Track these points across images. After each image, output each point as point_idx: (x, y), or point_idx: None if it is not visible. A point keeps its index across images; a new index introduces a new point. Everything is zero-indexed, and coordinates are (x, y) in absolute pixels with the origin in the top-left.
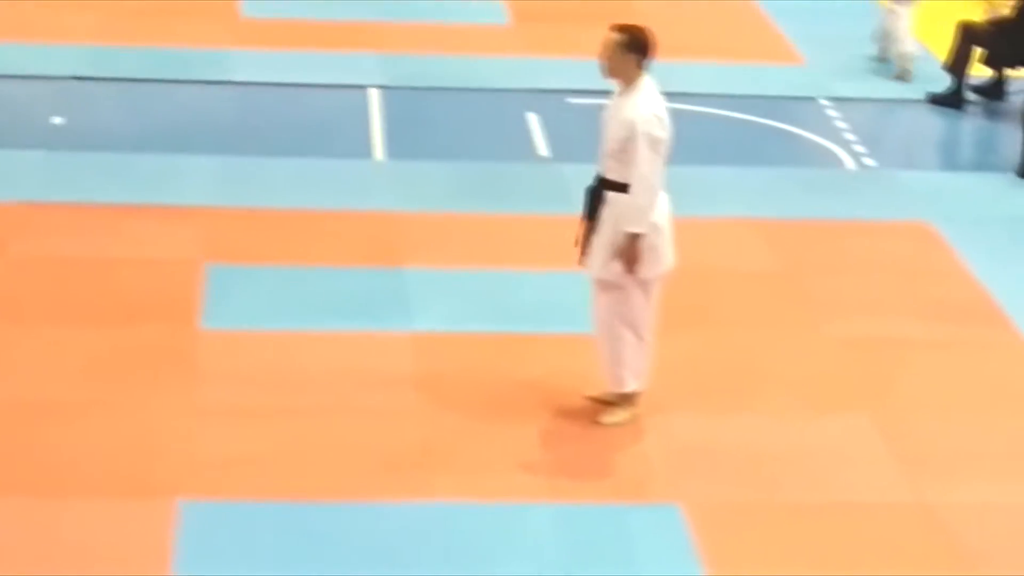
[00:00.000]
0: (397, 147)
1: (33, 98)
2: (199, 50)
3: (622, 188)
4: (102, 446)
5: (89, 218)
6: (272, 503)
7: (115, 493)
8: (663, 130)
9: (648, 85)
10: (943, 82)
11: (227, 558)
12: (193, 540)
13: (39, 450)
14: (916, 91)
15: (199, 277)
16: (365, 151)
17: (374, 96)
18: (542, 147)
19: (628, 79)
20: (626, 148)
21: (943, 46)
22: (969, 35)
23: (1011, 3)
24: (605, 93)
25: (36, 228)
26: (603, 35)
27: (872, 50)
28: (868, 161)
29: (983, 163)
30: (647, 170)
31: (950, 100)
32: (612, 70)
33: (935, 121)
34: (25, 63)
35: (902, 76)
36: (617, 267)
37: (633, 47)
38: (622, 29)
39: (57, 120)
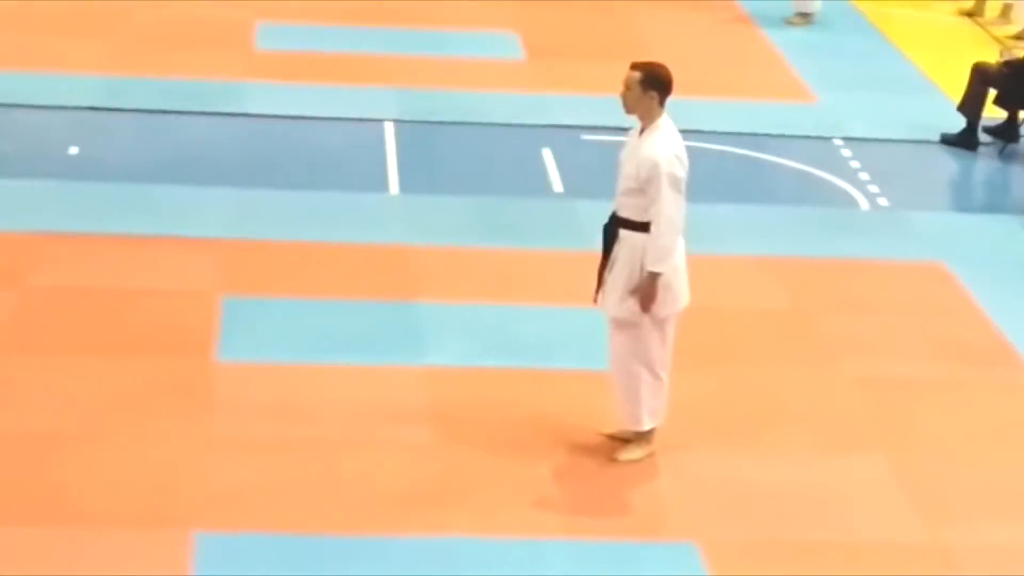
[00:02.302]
0: (411, 181)
1: (48, 128)
2: (213, 82)
3: (637, 226)
4: (118, 477)
5: (104, 249)
6: (287, 536)
7: (131, 524)
8: (683, 169)
9: (667, 124)
10: (958, 123)
11: None
12: (209, 572)
13: (56, 481)
14: (930, 132)
15: (214, 309)
16: (380, 185)
17: (389, 130)
18: (556, 183)
19: (648, 116)
20: (645, 188)
21: (958, 88)
22: (983, 77)
23: None
24: (620, 130)
25: (52, 259)
26: (617, 72)
27: None
28: (882, 201)
29: (996, 204)
30: (671, 210)
31: (963, 141)
32: (632, 107)
33: (948, 162)
34: (40, 93)
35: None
36: (633, 305)
37: (653, 84)
38: (642, 67)
39: (72, 150)
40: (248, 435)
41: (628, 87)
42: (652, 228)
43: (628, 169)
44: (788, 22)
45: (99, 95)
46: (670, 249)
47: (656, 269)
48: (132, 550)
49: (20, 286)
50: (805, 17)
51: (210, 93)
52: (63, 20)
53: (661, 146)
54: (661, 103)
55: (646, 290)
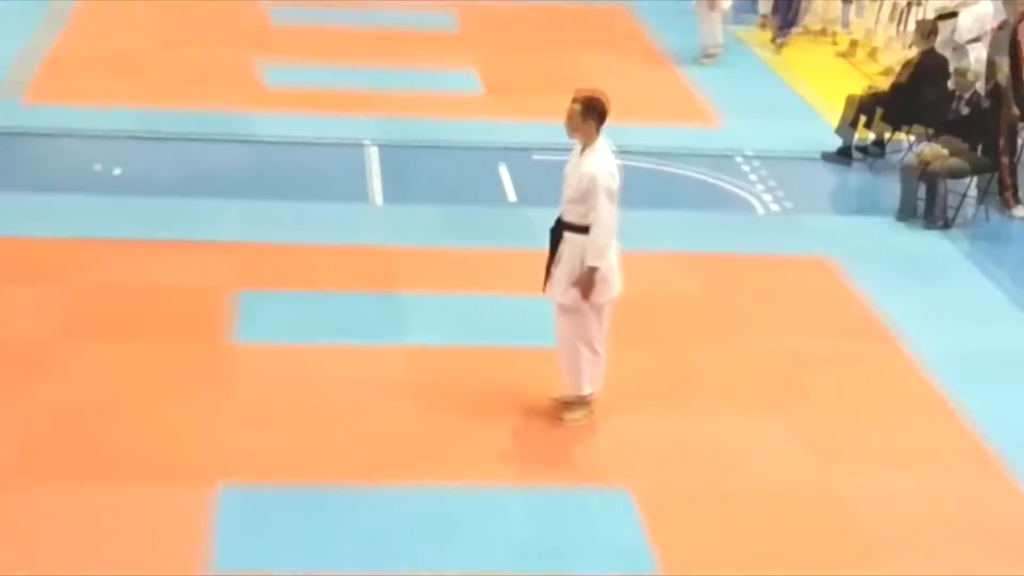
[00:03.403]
0: (392, 193)
1: (95, 152)
2: (226, 112)
3: (579, 229)
4: (153, 440)
5: (139, 252)
6: (295, 484)
7: (165, 479)
8: (616, 182)
9: (603, 145)
10: (835, 143)
11: (259, 531)
12: (230, 516)
13: (101, 443)
14: (813, 150)
15: (232, 300)
16: (365, 196)
17: (372, 151)
18: (511, 194)
19: (587, 139)
20: (585, 198)
21: (835, 115)
22: (854, 105)
23: (889, 80)
24: (564, 150)
25: (96, 260)
26: (561, 101)
27: None
28: (775, 207)
29: (869, 208)
30: (606, 217)
31: (840, 158)
32: (574, 131)
33: (828, 174)
34: (87, 123)
35: (704, 62)
36: (575, 294)
37: (592, 113)
38: (583, 98)
39: (116, 171)
40: (262, 404)
41: (571, 115)
42: (591, 231)
43: (571, 182)
44: (698, 62)
45: (135, 124)
46: (606, 248)
47: (594, 264)
48: (166, 499)
49: (70, 283)
50: (710, 57)
51: (224, 122)
52: (106, 63)
53: (598, 163)
54: (598, 128)
55: (586, 281)
